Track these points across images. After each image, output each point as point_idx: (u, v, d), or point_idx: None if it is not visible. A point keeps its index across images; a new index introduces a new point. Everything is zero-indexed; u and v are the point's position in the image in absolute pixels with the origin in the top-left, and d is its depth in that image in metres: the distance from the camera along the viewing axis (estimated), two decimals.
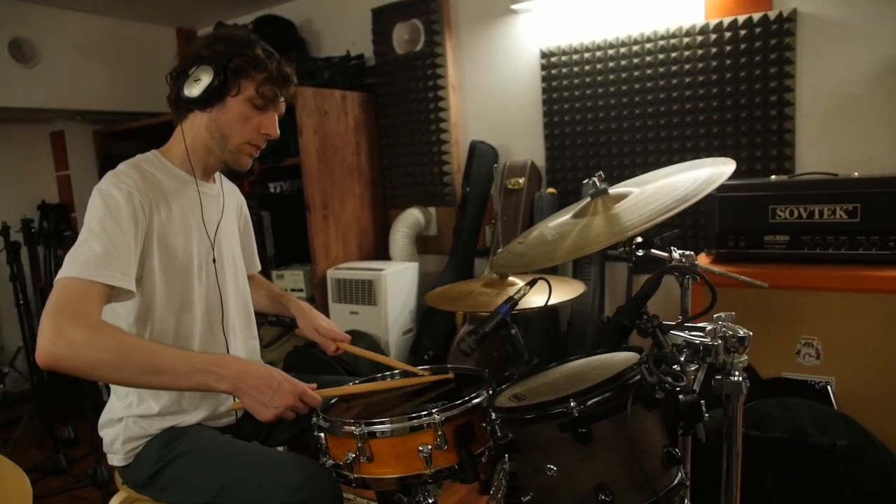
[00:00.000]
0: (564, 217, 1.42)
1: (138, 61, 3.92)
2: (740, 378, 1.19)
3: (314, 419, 1.30)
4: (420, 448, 1.20)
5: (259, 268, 1.85)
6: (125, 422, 1.44)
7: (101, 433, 1.50)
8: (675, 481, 1.11)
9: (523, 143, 3.15)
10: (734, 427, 1.22)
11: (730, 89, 2.61)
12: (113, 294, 1.26)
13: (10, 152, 3.94)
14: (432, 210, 3.43)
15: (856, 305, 2.09)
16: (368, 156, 3.43)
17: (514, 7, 2.97)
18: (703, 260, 2.37)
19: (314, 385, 1.33)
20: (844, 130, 2.48)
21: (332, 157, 3.18)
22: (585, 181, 1.36)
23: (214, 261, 1.51)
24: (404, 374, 1.55)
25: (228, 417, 1.53)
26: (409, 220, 3.33)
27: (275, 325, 1.88)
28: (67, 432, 2.99)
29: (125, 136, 3.88)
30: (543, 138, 3.07)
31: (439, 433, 1.21)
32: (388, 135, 3.47)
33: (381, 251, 3.47)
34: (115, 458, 1.47)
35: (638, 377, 1.07)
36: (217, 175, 1.60)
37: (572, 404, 1.04)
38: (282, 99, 1.49)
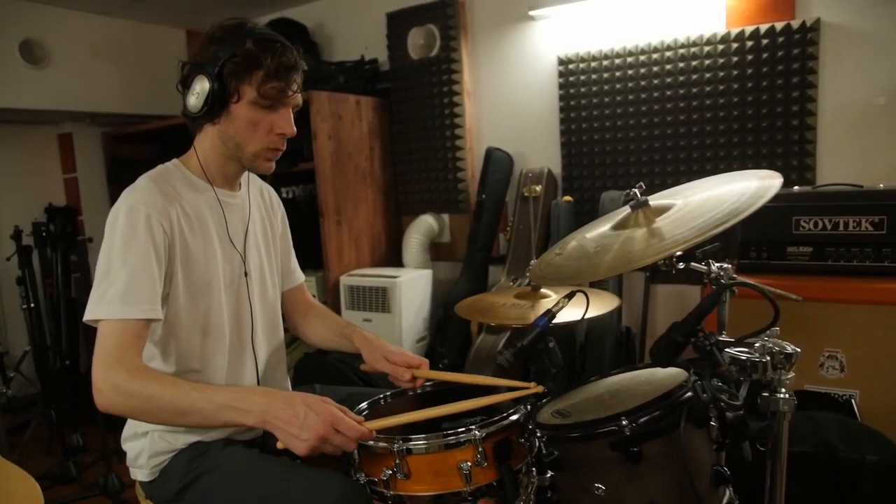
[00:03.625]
0: (603, 228, 1.40)
1: (148, 63, 3.89)
2: (787, 395, 1.17)
3: None
4: (460, 465, 1.18)
5: (302, 279, 1.76)
6: (151, 436, 1.40)
7: (125, 446, 1.46)
8: (724, 501, 1.08)
9: (539, 151, 3.13)
10: (780, 444, 1.20)
11: (751, 98, 2.59)
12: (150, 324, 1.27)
13: (19, 154, 3.90)
14: (445, 217, 3.40)
15: (881, 318, 2.07)
16: (382, 161, 3.41)
17: (531, 13, 2.95)
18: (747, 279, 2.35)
19: (361, 419, 1.18)
20: (867, 141, 2.46)
21: (345, 163, 3.15)
22: (626, 192, 1.33)
23: (247, 274, 1.47)
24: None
25: (254, 431, 1.50)
26: (423, 227, 3.30)
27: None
28: (76, 439, 2.95)
29: (134, 139, 3.85)
30: (560, 146, 3.05)
31: (479, 449, 1.18)
32: (402, 140, 3.44)
33: (393, 258, 3.44)
34: (140, 473, 1.43)
35: (689, 395, 1.05)
36: (245, 179, 1.53)
37: (624, 422, 1.01)
38: (291, 91, 1.36)
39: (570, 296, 1.36)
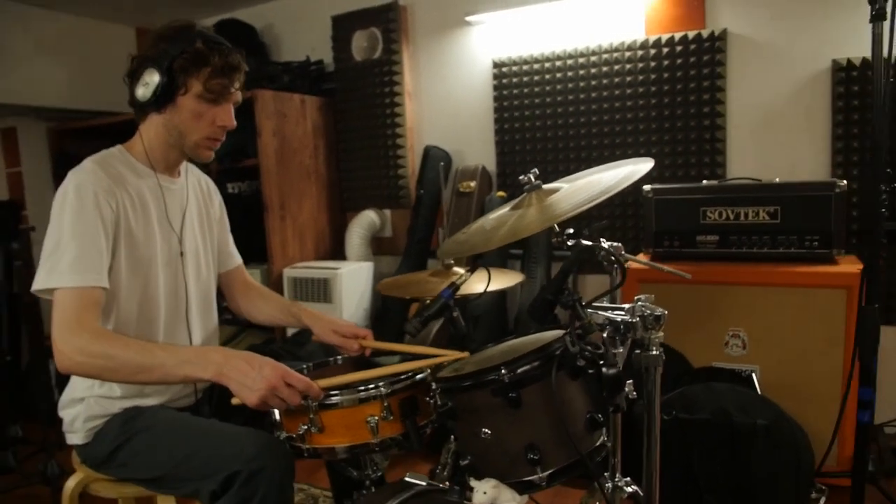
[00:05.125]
0: (503, 210, 1.54)
1: (96, 59, 3.91)
2: (657, 352, 1.32)
3: None
4: (367, 419, 1.30)
5: (240, 261, 1.87)
6: (87, 401, 1.49)
7: (62, 413, 1.55)
8: (598, 443, 1.23)
9: (475, 149, 3.28)
10: (653, 399, 1.35)
11: (667, 100, 2.79)
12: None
13: None
14: (387, 212, 3.53)
15: (777, 299, 2.28)
16: (326, 159, 3.52)
17: (468, 19, 3.11)
18: (640, 258, 2.53)
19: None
20: (769, 140, 2.68)
21: (290, 160, 3.25)
22: (521, 176, 1.48)
23: (182, 254, 1.58)
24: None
25: (187, 399, 1.60)
26: (365, 222, 3.42)
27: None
28: (15, 431, 2.97)
29: (81, 135, 3.87)
30: (494, 144, 3.21)
31: (385, 404, 1.30)
32: (346, 139, 3.56)
33: (336, 252, 3.55)
34: (75, 437, 1.52)
35: (562, 349, 1.20)
36: (183, 168, 1.65)
37: (503, 371, 1.15)
38: (234, 88, 1.50)
39: (472, 270, 1.50)
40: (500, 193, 3.13)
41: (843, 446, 2.23)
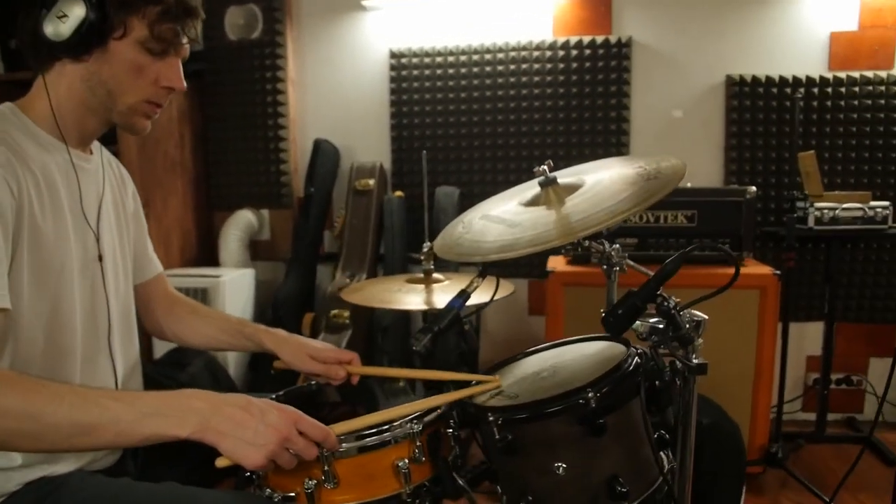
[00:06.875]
0: (509, 205, 1.36)
1: None
2: (699, 361, 1.23)
3: None
4: (397, 463, 1.04)
5: (160, 269, 1.47)
6: None
7: None
8: (667, 466, 1.11)
9: (369, 144, 3.04)
10: (690, 408, 1.26)
11: (575, 103, 2.79)
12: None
13: None
14: (265, 212, 3.15)
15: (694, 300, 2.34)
16: (193, 150, 3.05)
17: (364, 3, 2.86)
18: (560, 261, 2.48)
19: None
20: (670, 147, 2.78)
21: (153, 149, 2.76)
22: (535, 168, 1.32)
23: (101, 258, 1.18)
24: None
25: (109, 458, 1.19)
26: (242, 223, 3.02)
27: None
28: None
29: None
30: (390, 140, 3.00)
31: (417, 444, 1.06)
32: (217, 128, 3.12)
33: (204, 257, 3.09)
34: None
35: (639, 363, 1.06)
36: (95, 144, 1.25)
37: (590, 394, 0.98)
38: (185, 40, 1.15)
39: (482, 275, 1.30)
40: (398, 193, 2.92)
41: (752, 436, 2.36)
